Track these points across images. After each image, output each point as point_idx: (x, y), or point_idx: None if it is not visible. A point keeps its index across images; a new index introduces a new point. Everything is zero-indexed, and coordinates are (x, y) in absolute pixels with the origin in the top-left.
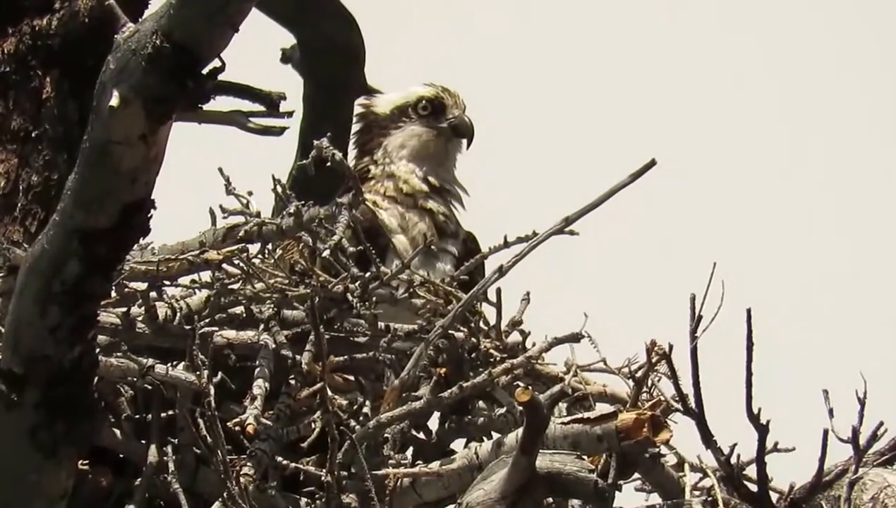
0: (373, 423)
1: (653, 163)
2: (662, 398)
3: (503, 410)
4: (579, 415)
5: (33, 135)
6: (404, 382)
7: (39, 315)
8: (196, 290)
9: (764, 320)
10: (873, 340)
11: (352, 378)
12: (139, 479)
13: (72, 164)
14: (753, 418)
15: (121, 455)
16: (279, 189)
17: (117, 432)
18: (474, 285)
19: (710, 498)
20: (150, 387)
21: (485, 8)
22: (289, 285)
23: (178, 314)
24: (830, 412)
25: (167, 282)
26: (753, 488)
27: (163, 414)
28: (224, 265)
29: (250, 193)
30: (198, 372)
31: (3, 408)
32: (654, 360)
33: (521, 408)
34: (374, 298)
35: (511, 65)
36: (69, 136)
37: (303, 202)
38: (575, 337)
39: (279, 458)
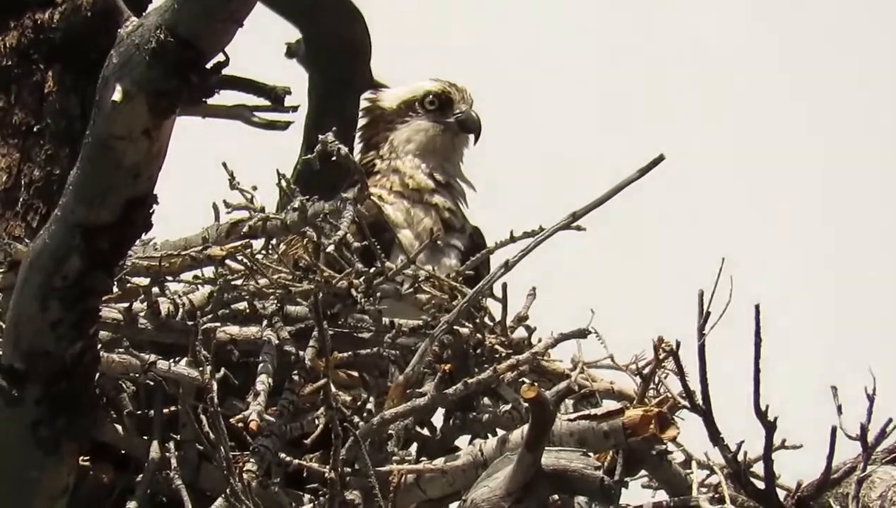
0: (377, 420)
1: (661, 158)
2: (669, 394)
3: (508, 407)
4: (586, 412)
5: (35, 129)
6: (409, 378)
7: (41, 310)
8: (199, 286)
9: (772, 316)
10: (882, 337)
11: (356, 374)
12: (141, 475)
13: (74, 159)
14: (761, 415)
15: (122, 452)
16: (283, 184)
17: (119, 428)
18: (480, 281)
19: (717, 495)
20: (152, 383)
21: (493, 1)
22: (292, 280)
23: (181, 310)
24: (839, 409)
25: (170, 278)
26: (761, 485)
27: (165, 410)
28: (227, 260)
29: (254, 188)
30: (200, 368)
31: (4, 404)
32: (661, 357)
33: (526, 405)
34: (378, 294)
35: (519, 59)
36: (71, 131)
37: (307, 197)
38: (581, 333)
39: (282, 455)
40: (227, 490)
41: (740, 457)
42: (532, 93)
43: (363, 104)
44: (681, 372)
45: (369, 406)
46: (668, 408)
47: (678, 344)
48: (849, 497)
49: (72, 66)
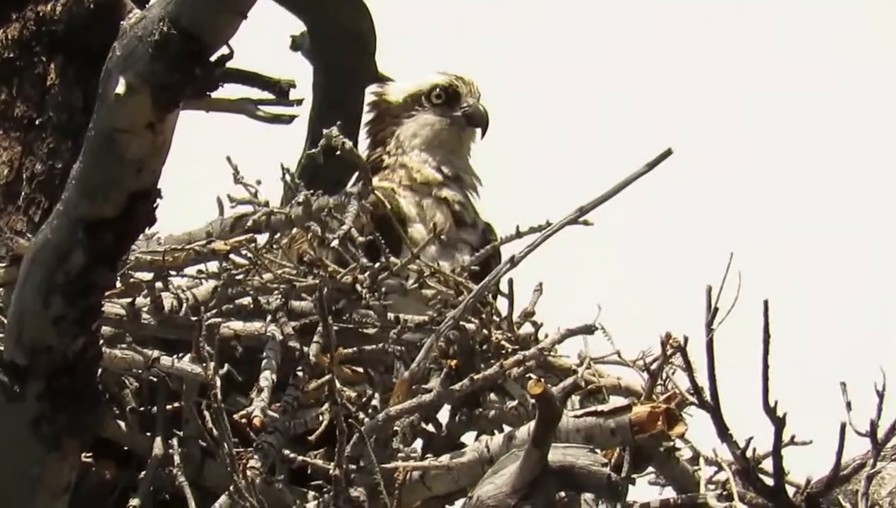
0: (382, 416)
1: (669, 152)
2: (677, 391)
3: (515, 403)
4: (593, 408)
5: (37, 122)
6: (414, 374)
7: (43, 305)
8: (203, 281)
9: (781, 312)
10: (892, 333)
11: (361, 370)
12: (144, 472)
13: (76, 153)
14: (770, 411)
15: (125, 448)
16: (288, 178)
17: (122, 424)
18: (487, 276)
19: (725, 492)
20: (155, 379)
21: None
22: (297, 275)
23: (185, 305)
24: (848, 405)
25: (173, 273)
26: (769, 482)
27: (168, 406)
28: (231, 255)
29: (259, 182)
30: (204, 364)
31: (6, 400)
32: (668, 353)
33: (533, 401)
34: (383, 289)
35: (527, 52)
36: (74, 124)
37: (312, 191)
38: (588, 329)
39: (286, 451)
40: (231, 487)
41: (749, 454)
42: (540, 86)
43: (369, 98)
44: (689, 368)
45: (374, 402)
46: (675, 405)
47: (686, 340)
48: (858, 494)
49: (74, 58)
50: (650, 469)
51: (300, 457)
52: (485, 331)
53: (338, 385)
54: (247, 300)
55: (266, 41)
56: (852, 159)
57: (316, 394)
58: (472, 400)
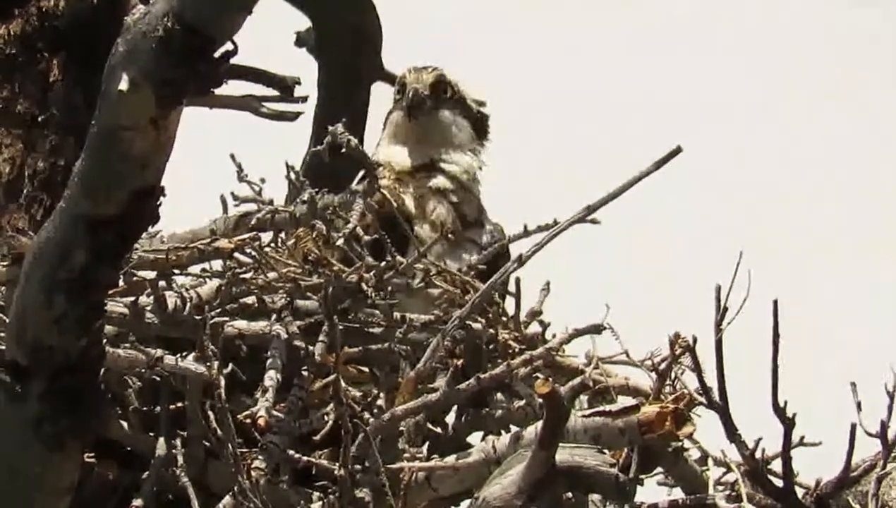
0: (387, 416)
1: (678, 150)
2: (686, 391)
3: (522, 402)
4: (600, 408)
5: (39, 119)
6: (420, 374)
7: (45, 304)
8: (207, 279)
9: (791, 311)
10: None
11: (366, 369)
12: (147, 473)
13: (79, 150)
14: (779, 411)
15: (128, 448)
16: (293, 176)
17: (124, 424)
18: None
19: (734, 493)
20: (158, 379)
21: None
22: (302, 274)
23: (188, 304)
24: (858, 405)
25: (177, 271)
26: (778, 483)
27: (171, 406)
28: (236, 254)
29: (263, 180)
30: (208, 363)
31: (7, 400)
32: (677, 352)
33: (540, 401)
34: (389, 288)
35: (534, 50)
36: (76, 121)
37: (317, 189)
38: (596, 329)
39: (291, 451)
40: (235, 488)
41: (758, 454)
42: (547, 83)
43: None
44: (697, 368)
45: (380, 402)
46: (684, 405)
47: (695, 340)
48: (868, 496)
49: (77, 54)
50: (658, 469)
51: (305, 458)
52: (491, 331)
53: (343, 384)
54: (251, 299)
55: (271, 37)
56: (863, 157)
57: (321, 394)
58: (479, 400)
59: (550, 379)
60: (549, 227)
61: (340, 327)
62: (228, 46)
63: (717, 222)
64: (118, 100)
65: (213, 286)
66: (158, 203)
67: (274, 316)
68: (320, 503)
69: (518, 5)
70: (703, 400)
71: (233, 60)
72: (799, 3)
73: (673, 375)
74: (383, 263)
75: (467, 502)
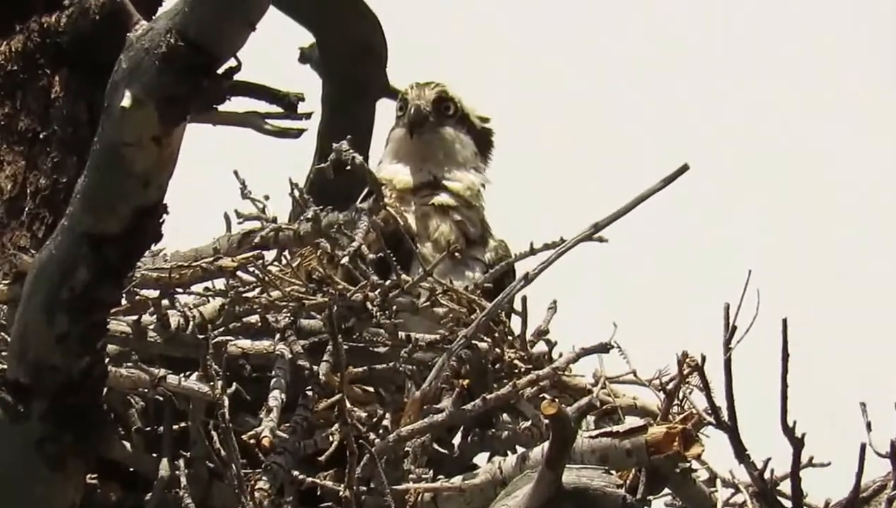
0: (393, 436)
1: (685, 167)
2: (694, 411)
3: (528, 423)
4: (608, 429)
5: (41, 136)
6: (426, 394)
7: (47, 323)
8: (210, 298)
9: (800, 330)
10: None
11: (371, 389)
12: (150, 494)
13: (81, 167)
14: (788, 431)
15: (131, 469)
16: (297, 193)
17: (127, 445)
18: (500, 293)
19: None
20: (161, 398)
21: (513, 8)
22: (306, 293)
23: (192, 323)
24: (868, 425)
25: (180, 290)
26: (788, 504)
27: (175, 427)
28: (239, 272)
29: (267, 198)
30: (211, 383)
31: (9, 420)
32: (685, 372)
33: (547, 421)
34: (394, 307)
35: (540, 67)
36: (79, 138)
37: (321, 207)
38: (603, 348)
39: (296, 472)
40: None
41: (767, 475)
42: (553, 100)
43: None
44: (706, 388)
45: (385, 422)
46: (692, 425)
47: (703, 359)
48: None
49: (79, 70)
50: (666, 491)
51: (310, 479)
52: (497, 350)
53: (348, 405)
54: (255, 318)
55: (274, 53)
56: (876, 175)
57: (326, 414)
58: (485, 421)
59: (557, 400)
60: (556, 245)
61: (345, 346)
62: (232, 63)
63: (726, 240)
64: (121, 117)
65: (216, 305)
66: (161, 220)
67: (278, 336)
68: None
69: (526, 22)
70: (711, 420)
71: (236, 77)
72: (809, 23)
73: (681, 395)
74: (388, 282)
75: None
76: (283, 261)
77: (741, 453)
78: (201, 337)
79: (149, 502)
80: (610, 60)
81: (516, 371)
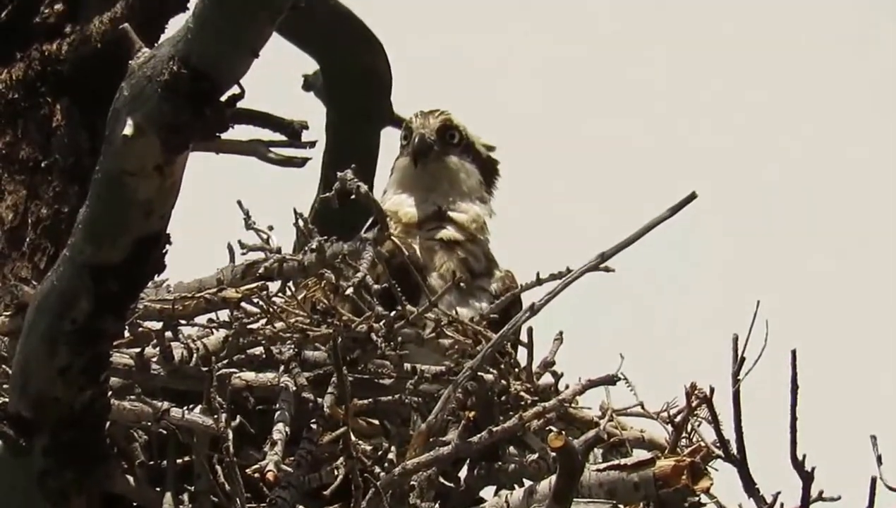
0: (398, 470)
1: (693, 196)
2: (703, 443)
3: (535, 456)
4: (615, 462)
5: (43, 165)
6: (431, 426)
7: (48, 355)
8: (213, 330)
9: (809, 362)
10: None
11: (376, 422)
12: None
13: (83, 196)
14: (798, 465)
15: (134, 504)
16: (301, 223)
17: (131, 479)
18: (506, 324)
19: None
20: (165, 432)
21: (520, 35)
22: (310, 324)
23: (195, 355)
24: (879, 458)
25: (183, 322)
26: None
27: (179, 460)
28: (243, 303)
29: (271, 228)
30: (215, 416)
31: (11, 454)
32: (694, 404)
33: (554, 454)
34: (400, 338)
35: (547, 95)
36: (80, 167)
37: (326, 237)
38: (610, 380)
39: (301, 506)
40: None
41: None
42: (559, 129)
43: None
44: (714, 420)
45: (391, 455)
46: (701, 458)
47: (712, 391)
48: None
49: (81, 99)
50: None
51: None
52: (503, 382)
53: (353, 438)
54: (259, 350)
55: (278, 81)
56: (883, 204)
57: (331, 448)
58: (491, 454)
59: (564, 432)
60: (562, 275)
61: (350, 378)
62: (235, 90)
63: (734, 271)
64: (123, 146)
65: (219, 337)
66: (164, 251)
67: (282, 368)
68: None
69: (532, 49)
70: (720, 452)
71: (239, 104)
72: (813, 49)
73: (689, 427)
74: (393, 313)
75: None
76: (288, 293)
77: (750, 487)
78: (205, 369)
79: None
80: (617, 89)
81: (522, 403)
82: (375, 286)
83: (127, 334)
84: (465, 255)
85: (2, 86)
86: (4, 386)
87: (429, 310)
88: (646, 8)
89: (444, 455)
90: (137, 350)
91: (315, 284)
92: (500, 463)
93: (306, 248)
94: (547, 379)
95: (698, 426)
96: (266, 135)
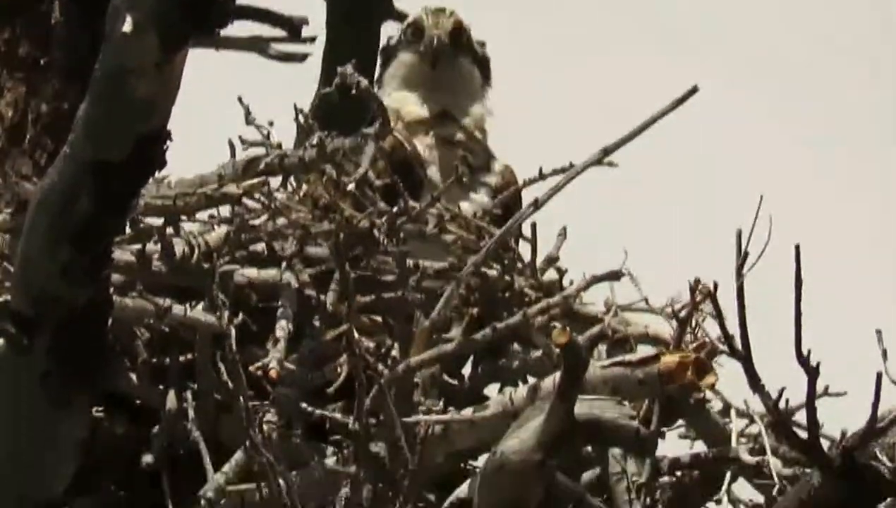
0: (402, 367)
1: (695, 89)
2: (707, 339)
3: (539, 353)
4: (620, 358)
5: (42, 62)
6: (435, 323)
7: (50, 254)
8: (215, 226)
9: (813, 256)
10: None
11: (379, 319)
12: (157, 427)
13: (83, 93)
14: (803, 360)
15: (137, 402)
16: (301, 119)
17: (133, 377)
18: (509, 220)
19: (757, 446)
20: (167, 330)
21: None
22: (312, 220)
23: (197, 251)
24: (884, 353)
25: (184, 218)
26: (803, 435)
27: (181, 358)
28: (244, 199)
29: (271, 123)
30: (218, 313)
31: (13, 353)
32: (698, 299)
33: (558, 351)
34: (402, 234)
35: None
36: (80, 64)
37: (326, 133)
38: (615, 275)
39: (304, 404)
40: (247, 442)
41: (782, 405)
42: (562, 22)
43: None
44: (719, 316)
45: (394, 353)
46: (705, 354)
47: (716, 286)
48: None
49: None
50: (680, 422)
51: (318, 411)
52: (507, 278)
53: (356, 335)
54: (261, 246)
55: None
56: (889, 98)
57: (334, 345)
58: (495, 350)
59: (568, 329)
60: (565, 170)
61: (352, 275)
62: None
63: (738, 165)
64: (122, 43)
65: (221, 233)
66: (165, 147)
67: (284, 264)
68: (334, 457)
69: None
70: (724, 348)
71: (239, 1)
72: None
73: (694, 323)
74: (395, 208)
75: (485, 456)
76: (289, 188)
77: (756, 382)
78: (207, 265)
79: (156, 436)
80: None
81: (526, 299)
82: (377, 182)
83: (128, 231)
84: (464, 153)
85: None
86: (6, 284)
87: (431, 206)
88: None
89: (447, 352)
90: (139, 246)
91: (316, 180)
92: (503, 360)
93: (307, 144)
94: (551, 274)
95: (703, 321)
96: (266, 31)
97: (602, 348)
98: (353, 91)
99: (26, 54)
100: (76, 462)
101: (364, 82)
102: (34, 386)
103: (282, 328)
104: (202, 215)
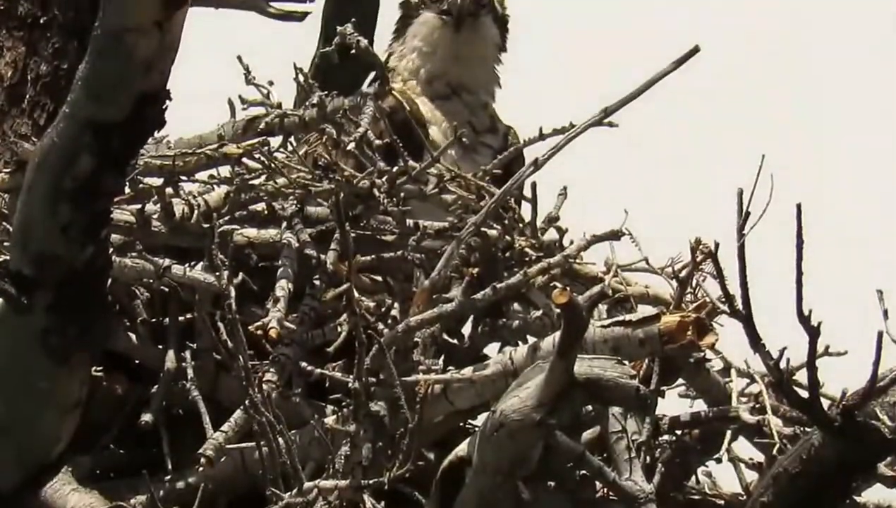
0: (402, 326)
1: (696, 49)
2: (708, 299)
3: (539, 313)
4: (620, 318)
5: (41, 21)
6: (435, 283)
7: (50, 213)
8: (215, 186)
9: (815, 216)
10: None
11: (379, 278)
12: (156, 386)
13: (82, 53)
14: (804, 320)
15: (136, 362)
16: (301, 78)
17: (133, 336)
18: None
19: (757, 405)
20: (166, 289)
21: None
22: (312, 180)
23: (196, 211)
24: (885, 313)
25: (184, 178)
26: (803, 394)
27: (180, 318)
28: (244, 159)
29: (271, 83)
30: (217, 273)
31: (13, 312)
32: (698, 259)
33: (558, 310)
34: (402, 194)
35: None
36: (80, 22)
37: (326, 92)
38: (615, 235)
39: (304, 364)
40: (246, 402)
41: (782, 365)
42: None
43: None
44: (720, 275)
45: (394, 312)
46: (706, 313)
47: (717, 246)
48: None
49: None
50: (680, 381)
51: (318, 370)
52: (507, 238)
53: (356, 294)
54: (261, 206)
55: None
56: (890, 57)
57: (334, 304)
58: (495, 310)
59: (568, 288)
60: (565, 130)
61: (353, 234)
62: None
63: (739, 124)
64: (122, 2)
65: (221, 193)
66: (164, 107)
67: (284, 224)
68: (334, 416)
69: None
70: (725, 308)
71: None
72: None
73: (694, 283)
74: (395, 168)
75: (485, 415)
76: (289, 148)
77: (756, 342)
78: (206, 225)
79: (155, 395)
80: None
81: (527, 259)
82: (377, 141)
83: (128, 190)
84: (469, 114)
85: None
86: (5, 243)
87: (431, 165)
88: None
89: (447, 312)
90: (138, 206)
91: (316, 139)
92: (504, 320)
93: (307, 103)
94: (551, 234)
95: (703, 281)
96: None
97: (602, 307)
98: (353, 51)
99: (26, 13)
100: (75, 421)
101: (363, 42)
102: (33, 345)
103: (282, 287)
104: (202, 175)
